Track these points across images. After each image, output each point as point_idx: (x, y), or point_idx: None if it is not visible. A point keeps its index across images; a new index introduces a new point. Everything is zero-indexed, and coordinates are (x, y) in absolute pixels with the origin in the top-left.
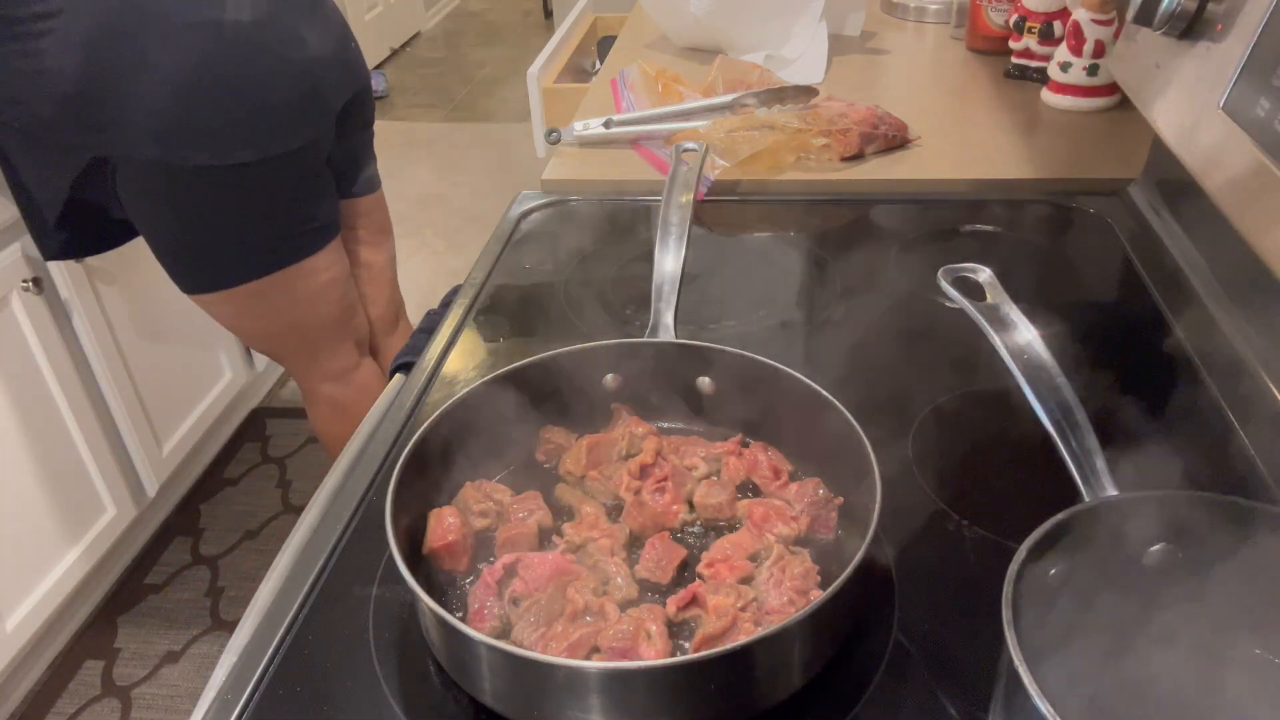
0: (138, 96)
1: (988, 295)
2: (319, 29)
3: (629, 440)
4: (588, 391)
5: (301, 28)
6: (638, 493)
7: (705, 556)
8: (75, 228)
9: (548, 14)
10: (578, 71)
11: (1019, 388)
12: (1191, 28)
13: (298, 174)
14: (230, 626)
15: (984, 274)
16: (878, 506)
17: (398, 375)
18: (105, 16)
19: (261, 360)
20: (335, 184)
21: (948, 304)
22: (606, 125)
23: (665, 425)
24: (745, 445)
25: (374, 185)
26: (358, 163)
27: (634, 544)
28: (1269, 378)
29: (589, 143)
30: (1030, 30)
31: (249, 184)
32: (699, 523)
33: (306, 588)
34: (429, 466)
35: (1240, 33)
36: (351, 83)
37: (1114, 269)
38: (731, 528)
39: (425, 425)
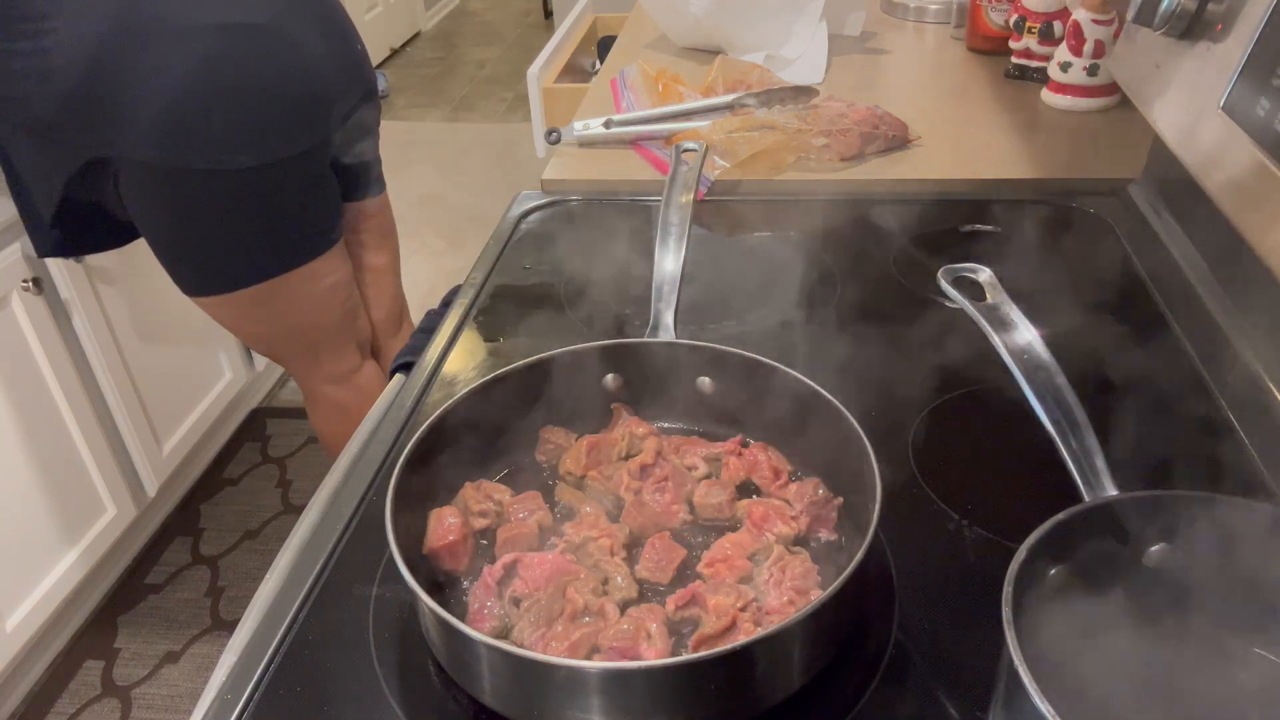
0: (140, 99)
1: (988, 295)
2: (324, 32)
3: (629, 440)
4: (588, 391)
5: (307, 31)
6: (638, 493)
7: (705, 556)
8: (71, 226)
9: (548, 14)
10: (578, 71)
11: (1019, 388)
12: (1191, 28)
13: (301, 178)
14: (230, 626)
15: (984, 274)
16: (878, 506)
17: (398, 375)
18: (108, 18)
19: (261, 360)
20: (339, 188)
21: (948, 304)
22: (606, 125)
23: (665, 425)
24: (745, 445)
25: (379, 189)
26: (363, 166)
27: (634, 544)
28: (1269, 377)
29: (589, 143)
30: (1030, 30)
31: (252, 188)
32: (699, 523)
33: (306, 588)
34: (429, 466)
35: (1240, 33)
36: (357, 87)
37: (1114, 269)
38: (732, 528)
39: (425, 425)
